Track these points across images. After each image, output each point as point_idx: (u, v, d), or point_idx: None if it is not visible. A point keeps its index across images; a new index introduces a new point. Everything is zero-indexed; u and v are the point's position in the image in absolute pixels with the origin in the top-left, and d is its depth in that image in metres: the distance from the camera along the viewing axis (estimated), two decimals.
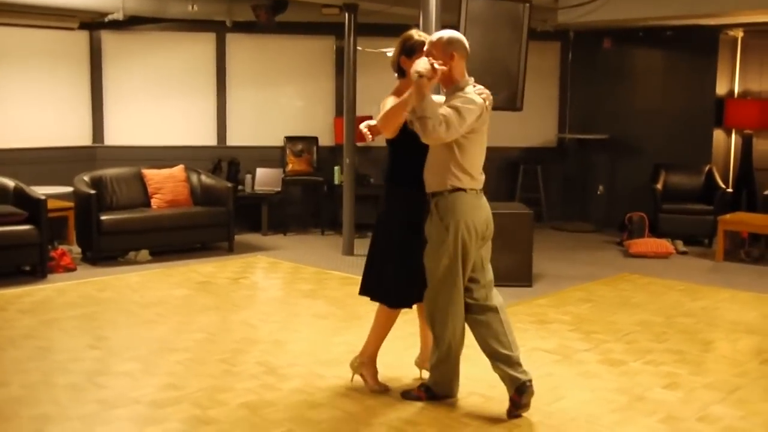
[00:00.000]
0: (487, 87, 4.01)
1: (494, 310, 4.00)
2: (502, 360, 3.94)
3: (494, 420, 3.93)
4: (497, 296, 4.08)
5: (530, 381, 3.93)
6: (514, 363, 3.94)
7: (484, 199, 4.03)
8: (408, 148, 4.00)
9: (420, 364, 4.46)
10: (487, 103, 3.91)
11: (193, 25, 9.23)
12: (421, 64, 3.73)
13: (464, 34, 4.11)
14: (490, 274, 4.08)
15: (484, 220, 3.97)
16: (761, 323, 5.85)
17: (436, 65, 3.74)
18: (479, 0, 6.42)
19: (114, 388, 4.30)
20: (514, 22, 6.65)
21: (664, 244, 8.38)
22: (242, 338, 5.25)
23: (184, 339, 5.23)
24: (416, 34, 4.08)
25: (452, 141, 3.83)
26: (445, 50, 3.83)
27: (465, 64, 3.94)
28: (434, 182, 3.94)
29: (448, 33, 3.93)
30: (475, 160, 3.95)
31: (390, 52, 4.17)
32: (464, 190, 3.90)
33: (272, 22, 8.49)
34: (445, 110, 3.74)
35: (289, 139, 9.53)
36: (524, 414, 3.94)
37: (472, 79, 3.98)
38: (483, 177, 4.02)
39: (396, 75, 4.14)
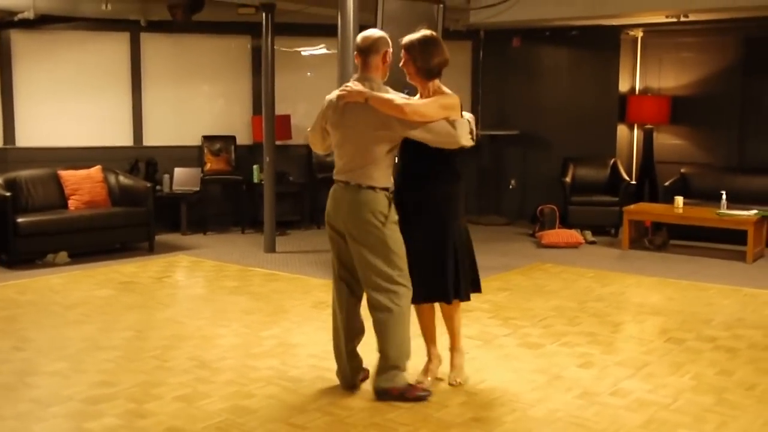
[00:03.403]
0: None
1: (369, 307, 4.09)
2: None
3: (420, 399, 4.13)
4: (373, 298, 4.03)
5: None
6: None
7: (342, 192, 4.02)
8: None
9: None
10: (335, 98, 4.04)
11: (107, 24, 9.12)
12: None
13: None
14: (365, 275, 4.02)
15: (335, 215, 4.07)
16: (665, 305, 6.24)
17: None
18: (395, 0, 6.62)
19: (46, 387, 4.30)
20: (428, 21, 6.85)
21: (573, 235, 8.76)
22: (171, 335, 5.30)
23: (112, 337, 5.24)
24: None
25: None
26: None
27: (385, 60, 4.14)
28: None
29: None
30: (338, 154, 4.08)
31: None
32: (334, 182, 4.13)
33: (188, 21, 8.47)
34: None
35: (207, 139, 9.54)
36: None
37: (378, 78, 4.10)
38: (351, 170, 3.99)
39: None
